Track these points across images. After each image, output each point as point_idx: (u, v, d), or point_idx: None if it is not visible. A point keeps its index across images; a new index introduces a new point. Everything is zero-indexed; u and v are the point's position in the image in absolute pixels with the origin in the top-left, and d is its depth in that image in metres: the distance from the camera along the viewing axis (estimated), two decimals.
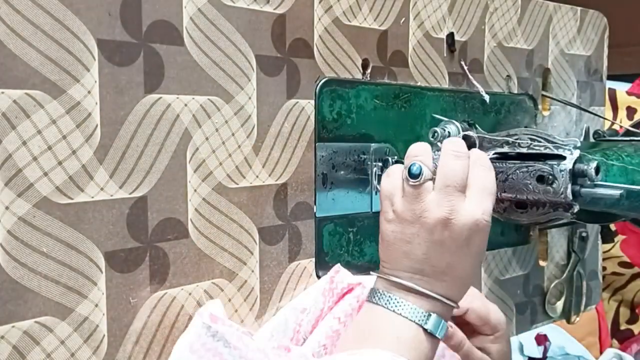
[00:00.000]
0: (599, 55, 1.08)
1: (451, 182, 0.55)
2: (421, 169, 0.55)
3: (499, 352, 0.70)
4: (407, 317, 0.54)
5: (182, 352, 0.56)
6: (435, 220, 0.54)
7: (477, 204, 0.55)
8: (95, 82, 0.53)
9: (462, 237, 0.54)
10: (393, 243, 0.57)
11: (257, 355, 0.56)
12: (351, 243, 0.73)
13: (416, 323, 0.54)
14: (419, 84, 0.80)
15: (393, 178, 0.58)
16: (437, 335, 0.55)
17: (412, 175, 0.55)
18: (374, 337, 0.55)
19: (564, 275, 1.03)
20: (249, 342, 0.57)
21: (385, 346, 0.54)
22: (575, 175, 0.66)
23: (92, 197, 0.53)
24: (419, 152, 0.57)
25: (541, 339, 1.57)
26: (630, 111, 1.68)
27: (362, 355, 0.52)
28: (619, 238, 1.64)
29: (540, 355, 1.56)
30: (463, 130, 0.72)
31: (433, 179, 0.56)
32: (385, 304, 0.55)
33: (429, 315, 0.55)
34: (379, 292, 0.56)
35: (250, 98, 0.63)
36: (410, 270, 0.56)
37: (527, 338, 1.55)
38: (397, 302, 0.55)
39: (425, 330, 0.54)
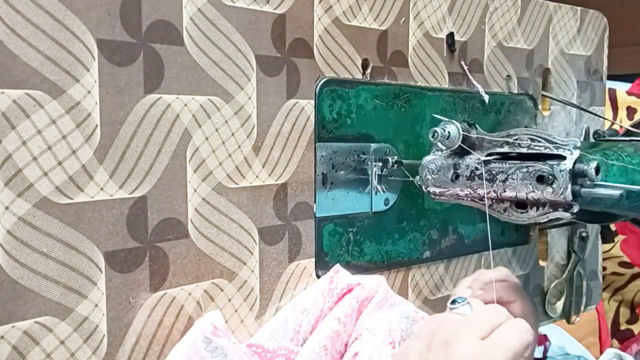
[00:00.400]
0: (599, 55, 1.08)
1: (478, 317, 0.56)
2: (461, 304, 0.57)
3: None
4: None
5: None
6: (440, 339, 0.54)
7: (486, 348, 0.53)
8: (95, 82, 0.53)
9: None
10: (398, 353, 0.58)
11: None
12: (351, 243, 0.73)
13: None
14: (419, 84, 0.80)
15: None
16: None
17: (452, 301, 0.58)
18: None
19: (564, 275, 1.03)
20: None
21: None
22: (575, 175, 0.66)
23: (92, 197, 0.53)
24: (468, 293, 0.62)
25: (541, 339, 1.57)
26: (630, 111, 1.67)
27: None
28: (619, 238, 1.64)
29: (540, 355, 1.56)
30: (463, 130, 0.71)
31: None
32: None
33: None
34: None
35: (250, 98, 0.63)
36: None
37: None
38: None
39: None
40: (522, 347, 0.53)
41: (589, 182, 0.66)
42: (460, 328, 0.54)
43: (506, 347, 0.53)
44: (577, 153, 0.66)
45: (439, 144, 0.72)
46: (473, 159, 0.72)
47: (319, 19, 0.69)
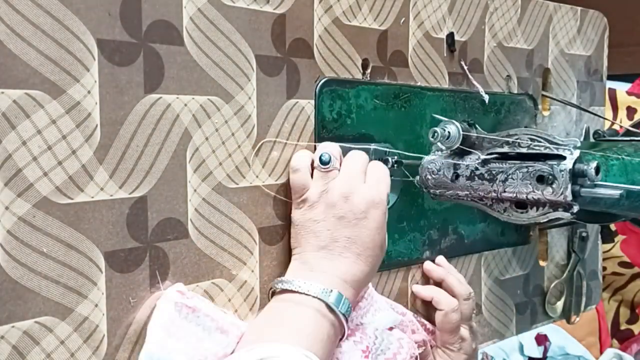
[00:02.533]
0: (599, 55, 1.08)
1: (353, 167, 0.65)
2: (330, 157, 0.64)
3: None
4: (308, 294, 0.60)
5: (160, 336, 0.55)
6: (338, 195, 0.63)
7: (374, 187, 0.65)
8: (95, 82, 0.53)
9: (360, 210, 0.63)
10: (302, 226, 0.64)
11: (230, 327, 0.58)
12: None
13: (318, 298, 0.60)
14: (419, 84, 0.80)
15: (302, 172, 0.65)
16: (338, 309, 0.60)
17: (323, 162, 0.64)
18: (278, 317, 0.60)
19: (564, 275, 1.03)
20: (222, 315, 0.59)
21: (286, 324, 0.59)
22: (575, 175, 0.66)
23: (92, 197, 0.53)
24: (327, 146, 0.66)
25: (541, 339, 1.57)
26: (630, 111, 1.68)
27: (260, 348, 0.55)
28: (619, 238, 1.64)
29: (540, 355, 1.56)
30: (463, 130, 0.71)
31: (338, 170, 0.65)
32: (290, 287, 0.61)
33: (330, 291, 0.60)
34: (285, 280, 0.62)
35: (250, 98, 0.63)
36: (316, 248, 0.63)
37: (527, 338, 1.55)
38: (300, 284, 0.61)
39: (327, 305, 0.60)
40: (388, 177, 0.67)
41: (589, 182, 0.66)
42: (346, 180, 0.64)
43: (383, 182, 0.66)
44: (577, 153, 0.66)
45: (439, 144, 0.72)
46: (473, 159, 0.72)
47: (319, 19, 0.69)
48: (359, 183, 0.64)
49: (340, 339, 0.63)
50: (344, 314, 0.61)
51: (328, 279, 0.61)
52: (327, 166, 0.64)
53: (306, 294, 0.60)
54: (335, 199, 0.63)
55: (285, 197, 0.67)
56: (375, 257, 0.65)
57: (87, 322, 0.53)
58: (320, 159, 0.64)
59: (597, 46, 1.08)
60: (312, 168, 0.66)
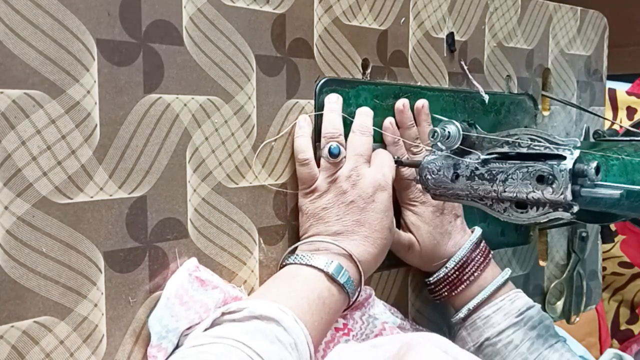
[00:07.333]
0: (599, 55, 1.08)
1: (358, 152, 0.67)
2: (339, 149, 0.66)
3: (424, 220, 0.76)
4: (310, 265, 0.62)
5: (172, 302, 0.56)
6: (347, 182, 0.65)
7: (378, 170, 0.67)
8: (95, 82, 0.53)
9: (368, 194, 0.66)
10: (312, 214, 0.66)
11: (232, 302, 0.59)
12: None
13: (317, 268, 0.62)
14: (419, 84, 0.80)
15: (311, 165, 0.66)
16: (338, 279, 0.62)
17: (333, 155, 0.66)
18: (273, 282, 0.62)
19: (564, 275, 1.03)
20: (229, 289, 0.60)
21: (275, 285, 0.61)
22: (575, 175, 0.65)
23: (92, 197, 0.53)
24: (334, 134, 0.67)
25: None
26: (630, 111, 1.67)
27: (236, 303, 0.57)
28: (619, 238, 1.64)
29: None
30: (463, 130, 0.71)
31: (345, 156, 0.67)
32: (294, 260, 0.63)
33: (331, 262, 0.62)
34: (291, 255, 0.64)
35: (250, 98, 0.63)
36: (325, 233, 0.65)
37: None
38: (304, 257, 0.63)
39: (327, 275, 0.62)
40: (392, 161, 0.70)
41: (589, 182, 0.65)
42: (352, 166, 0.66)
43: (387, 165, 0.69)
44: (577, 153, 0.66)
45: (439, 144, 0.72)
46: (473, 159, 0.72)
47: (319, 19, 0.69)
48: (364, 167, 0.67)
49: (345, 310, 0.65)
50: (343, 284, 0.62)
51: (331, 254, 0.63)
52: (337, 158, 0.65)
53: (306, 265, 0.62)
54: (345, 186, 0.65)
55: (285, 197, 0.67)
56: (383, 240, 0.67)
57: (86, 322, 0.53)
58: (330, 151, 0.66)
59: (597, 46, 1.08)
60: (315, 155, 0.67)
